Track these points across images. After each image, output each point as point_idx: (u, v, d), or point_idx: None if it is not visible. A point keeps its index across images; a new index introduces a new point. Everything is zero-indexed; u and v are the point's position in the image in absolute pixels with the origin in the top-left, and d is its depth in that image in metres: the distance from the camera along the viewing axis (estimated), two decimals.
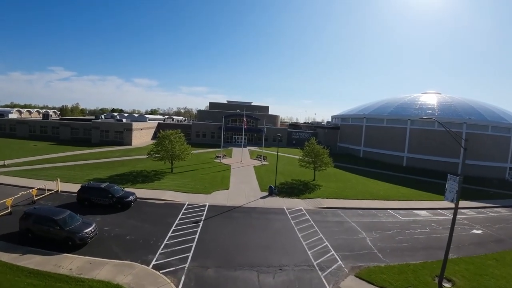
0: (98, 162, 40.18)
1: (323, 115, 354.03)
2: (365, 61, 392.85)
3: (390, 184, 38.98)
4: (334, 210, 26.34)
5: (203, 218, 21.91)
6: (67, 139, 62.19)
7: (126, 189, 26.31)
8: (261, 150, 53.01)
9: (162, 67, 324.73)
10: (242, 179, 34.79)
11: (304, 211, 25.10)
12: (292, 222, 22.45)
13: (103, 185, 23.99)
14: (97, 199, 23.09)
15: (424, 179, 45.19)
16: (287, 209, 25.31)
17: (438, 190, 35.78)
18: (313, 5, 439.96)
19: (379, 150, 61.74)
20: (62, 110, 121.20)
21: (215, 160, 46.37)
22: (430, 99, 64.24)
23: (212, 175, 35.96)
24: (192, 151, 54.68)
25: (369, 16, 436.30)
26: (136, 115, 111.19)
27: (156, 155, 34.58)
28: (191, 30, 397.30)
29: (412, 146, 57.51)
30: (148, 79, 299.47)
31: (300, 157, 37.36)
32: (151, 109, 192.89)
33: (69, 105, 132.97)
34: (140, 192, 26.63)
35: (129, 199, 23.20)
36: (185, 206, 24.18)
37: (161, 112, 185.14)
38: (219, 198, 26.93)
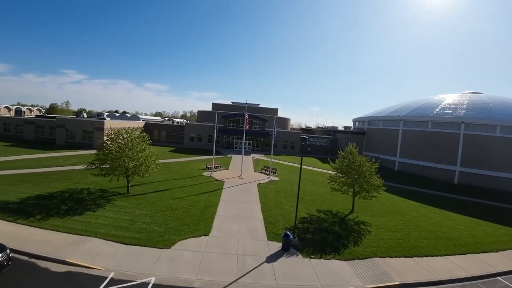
0: (35, 172, 27.93)
1: (333, 121, 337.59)
2: (372, 64, 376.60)
3: (461, 216, 25.85)
4: None
5: None
6: (31, 139, 50.68)
7: (12, 235, 13.75)
8: (269, 160, 39.78)
9: (173, 72, 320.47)
10: (237, 211, 21.13)
11: None
12: None
13: None
14: None
15: (493, 204, 32.27)
16: None
17: None
18: (322, 7, 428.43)
19: (421, 162, 47.99)
20: (51, 109, 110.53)
21: (204, 174, 32.74)
22: (479, 99, 50.48)
23: (190, 200, 22.42)
24: (181, 159, 40.66)
25: (371, 18, 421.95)
26: (129, 115, 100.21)
27: (105, 166, 21.70)
28: (199, 35, 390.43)
29: (466, 157, 43.87)
30: (158, 84, 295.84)
31: (333, 175, 23.32)
32: (156, 112, 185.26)
33: (59, 103, 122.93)
34: (42, 238, 13.95)
35: None
36: (102, 286, 10.98)
37: (166, 115, 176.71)
38: (183, 262, 13.26)
